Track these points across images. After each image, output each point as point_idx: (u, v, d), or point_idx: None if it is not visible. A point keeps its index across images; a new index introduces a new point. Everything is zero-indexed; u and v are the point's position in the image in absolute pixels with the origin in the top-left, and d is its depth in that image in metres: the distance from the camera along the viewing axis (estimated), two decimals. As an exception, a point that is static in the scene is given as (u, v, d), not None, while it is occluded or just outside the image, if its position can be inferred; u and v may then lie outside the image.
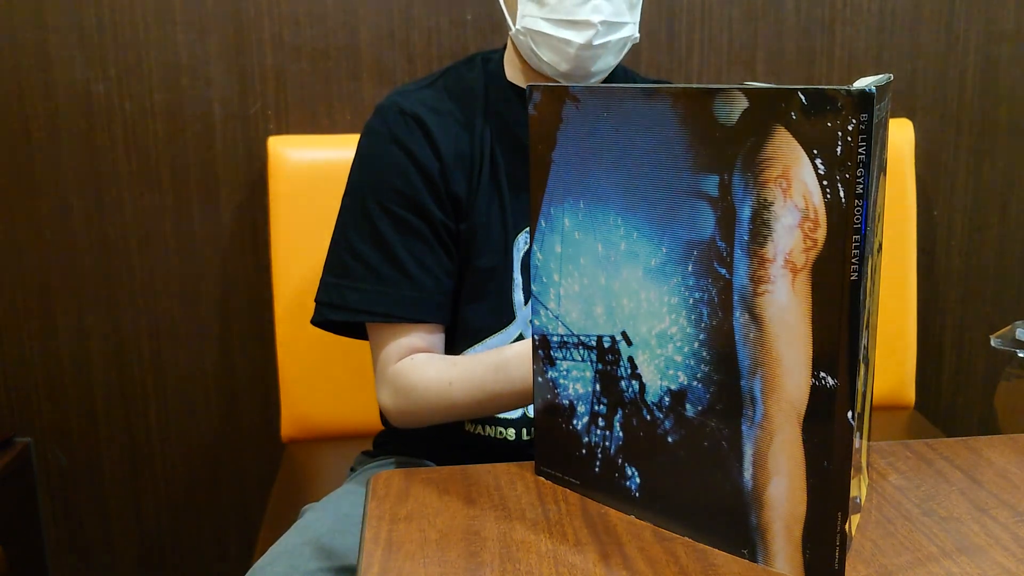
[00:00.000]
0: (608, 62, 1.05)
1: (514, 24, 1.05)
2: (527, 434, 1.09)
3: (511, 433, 1.09)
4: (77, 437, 1.68)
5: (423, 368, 1.03)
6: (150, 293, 1.64)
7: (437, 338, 1.07)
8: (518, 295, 1.08)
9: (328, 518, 1.05)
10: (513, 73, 1.11)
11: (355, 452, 1.27)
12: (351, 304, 1.05)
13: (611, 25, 1.02)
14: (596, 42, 1.01)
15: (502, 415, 1.08)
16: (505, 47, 1.14)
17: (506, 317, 1.09)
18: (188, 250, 1.63)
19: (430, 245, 1.05)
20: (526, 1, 1.02)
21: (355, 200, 1.08)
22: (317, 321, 1.09)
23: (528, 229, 1.08)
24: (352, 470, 1.24)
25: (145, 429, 1.69)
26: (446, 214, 1.06)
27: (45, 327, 1.64)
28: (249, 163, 1.61)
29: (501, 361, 0.97)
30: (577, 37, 1.01)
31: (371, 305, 1.04)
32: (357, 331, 1.11)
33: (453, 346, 1.10)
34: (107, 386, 1.67)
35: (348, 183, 1.10)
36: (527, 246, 1.08)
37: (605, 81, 1.09)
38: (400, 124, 1.06)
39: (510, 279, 1.08)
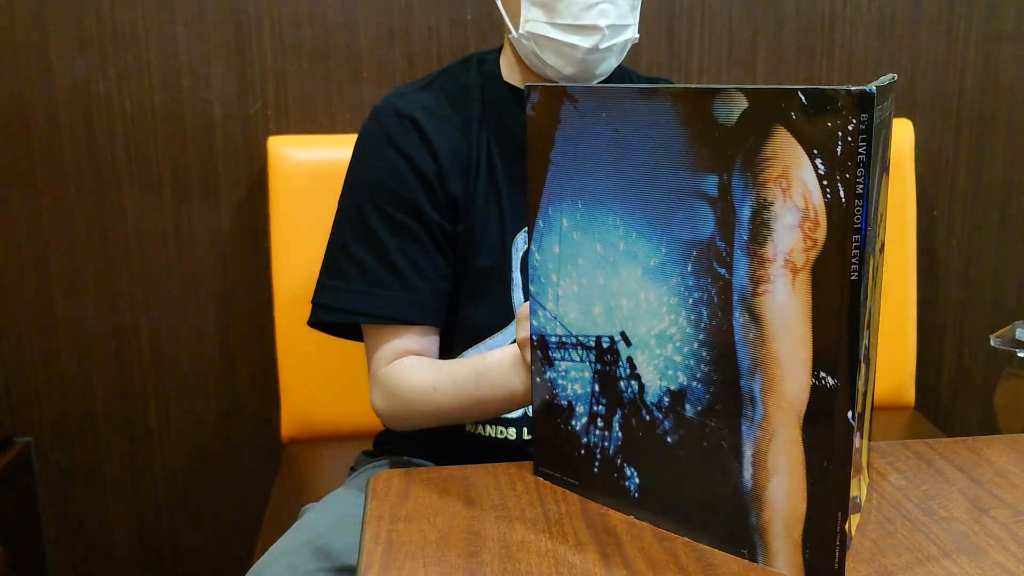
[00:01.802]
0: (611, 64, 1.06)
1: (516, 29, 1.05)
2: (528, 434, 1.09)
3: (512, 433, 1.09)
4: (77, 437, 1.68)
5: (410, 372, 1.03)
6: (150, 293, 1.64)
7: (430, 340, 1.07)
8: (517, 295, 1.08)
9: (327, 518, 1.05)
10: (510, 73, 1.11)
11: (355, 452, 1.27)
12: (345, 306, 1.05)
13: (616, 28, 1.02)
14: (602, 46, 1.01)
15: (504, 415, 1.08)
16: (501, 47, 1.14)
17: (505, 317, 1.09)
18: (188, 250, 1.63)
19: (425, 247, 1.05)
20: (530, 6, 1.02)
21: (351, 202, 1.08)
22: (313, 322, 1.09)
23: (527, 229, 1.08)
24: (352, 470, 1.24)
25: (145, 429, 1.69)
26: (442, 216, 1.06)
27: (45, 327, 1.63)
28: (249, 163, 1.61)
29: (482, 368, 0.97)
30: (584, 42, 1.01)
31: (364, 307, 1.05)
32: (353, 333, 1.11)
33: (452, 346, 1.10)
34: (107, 386, 1.67)
35: (344, 185, 1.10)
36: (526, 246, 1.08)
37: (604, 81, 1.10)
38: (396, 126, 1.06)
39: (509, 279, 1.08)
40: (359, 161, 1.09)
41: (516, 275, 1.08)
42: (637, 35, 1.06)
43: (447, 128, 1.07)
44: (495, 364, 0.96)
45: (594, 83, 1.07)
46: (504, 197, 1.08)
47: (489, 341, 1.09)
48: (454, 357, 1.09)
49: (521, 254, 1.09)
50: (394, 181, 1.05)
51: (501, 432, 1.09)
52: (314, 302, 1.08)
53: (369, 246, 1.05)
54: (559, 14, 1.00)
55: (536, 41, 1.03)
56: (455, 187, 1.06)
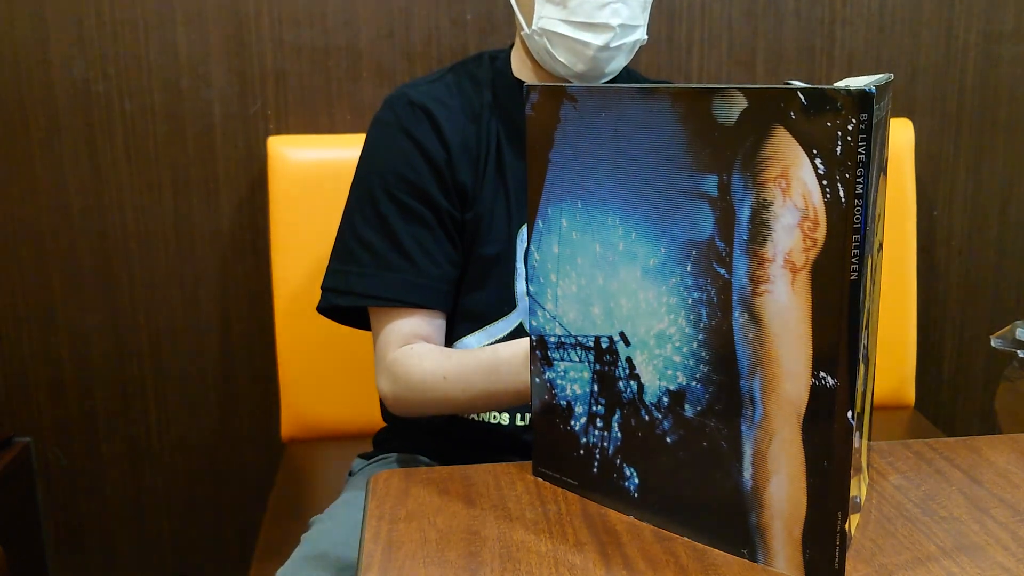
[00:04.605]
0: (620, 63, 1.07)
1: (529, 25, 1.06)
2: (520, 419, 1.09)
3: (505, 418, 1.09)
4: (77, 437, 1.68)
5: (420, 359, 1.03)
6: (150, 293, 1.64)
7: (438, 324, 1.08)
8: (520, 284, 1.09)
9: (337, 529, 1.06)
10: (520, 69, 1.13)
11: (355, 452, 1.27)
12: (355, 289, 1.06)
13: (627, 28, 1.04)
14: (613, 44, 1.03)
15: (514, 408, 1.08)
16: (511, 46, 1.15)
17: (507, 305, 1.10)
18: (188, 250, 1.63)
19: (434, 233, 1.06)
20: (544, 3, 1.03)
21: (362, 188, 1.09)
22: (322, 308, 1.10)
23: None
24: (351, 474, 1.25)
25: (145, 429, 1.69)
26: (451, 203, 1.07)
27: (45, 327, 1.63)
28: (249, 163, 1.61)
29: (495, 362, 0.98)
30: (596, 39, 1.02)
31: (374, 290, 1.05)
32: (361, 321, 1.11)
33: (453, 331, 1.11)
34: (107, 386, 1.67)
35: (356, 172, 1.11)
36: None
37: (609, 81, 1.10)
38: (408, 114, 1.08)
39: (512, 268, 1.09)
40: (371, 148, 1.10)
41: (519, 265, 1.09)
42: (646, 36, 1.07)
43: (458, 118, 1.09)
44: (508, 358, 0.96)
45: (602, 82, 1.08)
46: (511, 188, 1.09)
47: (489, 328, 1.09)
48: (453, 342, 1.10)
49: (525, 246, 1.09)
50: (406, 168, 1.06)
51: (494, 417, 1.09)
52: (324, 287, 1.09)
53: (380, 231, 1.06)
54: (573, 12, 1.02)
55: (549, 38, 1.04)
56: (464, 176, 1.07)
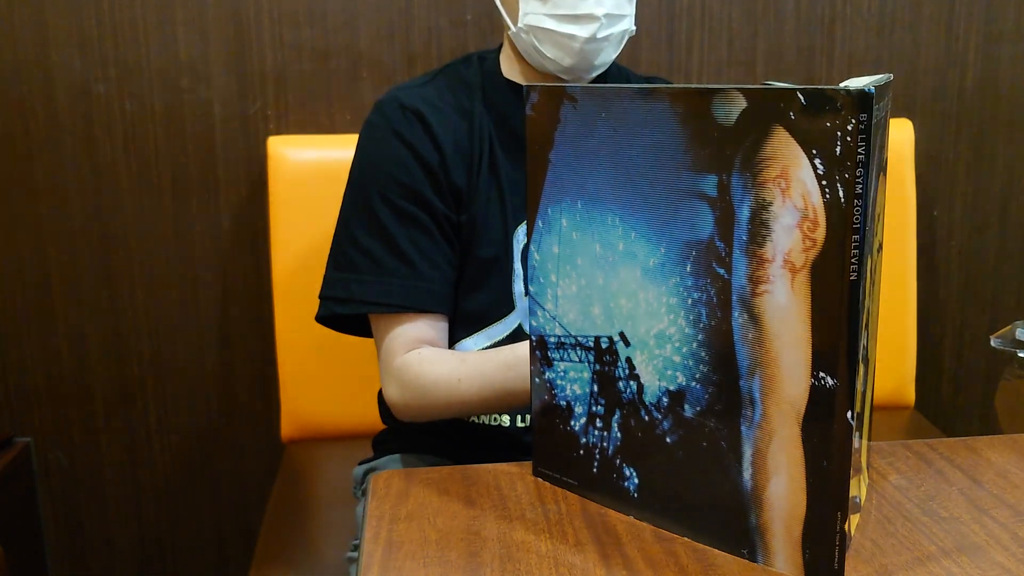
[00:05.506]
0: (609, 55, 1.06)
1: (515, 24, 1.06)
2: (521, 420, 1.09)
3: (506, 420, 1.09)
4: (77, 437, 1.68)
5: (431, 363, 1.03)
6: (150, 293, 1.64)
7: (441, 328, 1.08)
8: (518, 286, 1.09)
9: None
10: (510, 70, 1.12)
11: (355, 452, 1.27)
12: (356, 296, 1.05)
13: (613, 17, 1.03)
14: (600, 35, 1.03)
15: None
16: (500, 47, 1.15)
17: (505, 307, 1.09)
18: (188, 250, 1.63)
19: (432, 236, 1.06)
20: None
21: (357, 193, 1.08)
22: (323, 316, 1.09)
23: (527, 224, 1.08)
24: (356, 487, 1.24)
25: (145, 429, 1.69)
26: (447, 205, 1.07)
27: (45, 327, 1.63)
28: (249, 163, 1.61)
29: (513, 359, 0.97)
30: (582, 31, 1.02)
31: (376, 296, 1.05)
32: (360, 328, 1.11)
33: (452, 334, 1.10)
34: (107, 386, 1.67)
35: (349, 177, 1.10)
36: (526, 239, 1.09)
37: (600, 79, 1.10)
38: (400, 117, 1.07)
39: (510, 269, 1.09)
40: (365, 153, 1.10)
41: (517, 266, 1.09)
42: (634, 27, 1.07)
43: (450, 120, 1.08)
44: (525, 356, 0.96)
45: (592, 75, 1.08)
46: (505, 189, 1.09)
47: (489, 330, 1.09)
48: (452, 345, 1.09)
49: (522, 246, 1.09)
50: (400, 172, 1.06)
51: (495, 419, 1.09)
52: (323, 296, 1.08)
53: (377, 236, 1.05)
54: (556, 5, 1.02)
55: (535, 34, 1.04)
56: (458, 178, 1.07)
